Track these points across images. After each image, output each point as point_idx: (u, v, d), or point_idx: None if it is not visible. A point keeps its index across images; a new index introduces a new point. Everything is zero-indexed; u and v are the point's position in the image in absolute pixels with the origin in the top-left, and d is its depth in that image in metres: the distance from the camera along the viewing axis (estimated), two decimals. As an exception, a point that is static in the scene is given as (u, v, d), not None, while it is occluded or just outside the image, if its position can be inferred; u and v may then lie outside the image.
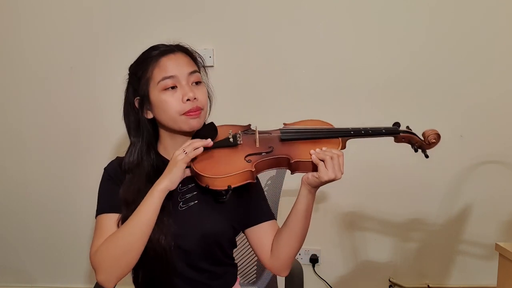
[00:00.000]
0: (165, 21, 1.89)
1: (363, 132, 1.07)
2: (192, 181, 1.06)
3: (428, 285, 2.03)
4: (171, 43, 1.11)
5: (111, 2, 1.90)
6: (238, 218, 1.12)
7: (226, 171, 0.98)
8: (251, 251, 1.49)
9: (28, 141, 2.02)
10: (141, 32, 1.88)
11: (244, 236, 1.18)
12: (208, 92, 1.13)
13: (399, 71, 1.88)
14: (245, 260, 1.50)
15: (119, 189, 1.06)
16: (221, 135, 1.09)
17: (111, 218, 1.04)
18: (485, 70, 1.87)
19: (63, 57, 1.94)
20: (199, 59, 1.14)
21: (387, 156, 1.88)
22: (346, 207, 2.00)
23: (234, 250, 1.20)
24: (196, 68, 1.09)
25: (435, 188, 1.96)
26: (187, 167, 1.01)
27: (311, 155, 1.00)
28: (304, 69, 1.90)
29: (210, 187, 0.99)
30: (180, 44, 1.11)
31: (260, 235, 1.13)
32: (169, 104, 1.03)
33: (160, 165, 1.08)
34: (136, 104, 1.09)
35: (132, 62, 1.12)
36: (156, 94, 1.05)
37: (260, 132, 1.09)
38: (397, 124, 1.11)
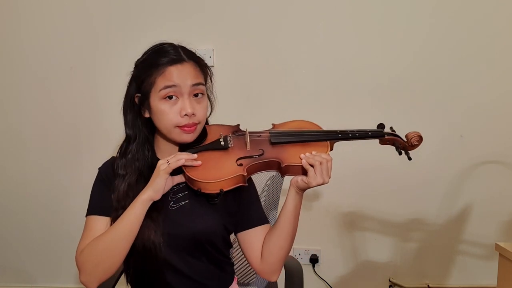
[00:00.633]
0: (165, 21, 1.89)
1: (350, 135, 1.10)
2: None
3: (428, 285, 2.03)
4: (181, 50, 1.07)
5: (111, 2, 1.90)
6: (229, 218, 1.12)
7: (218, 176, 0.99)
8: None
9: (28, 141, 2.02)
10: (141, 32, 1.88)
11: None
12: (210, 100, 1.13)
13: (399, 71, 1.88)
14: (244, 260, 1.50)
15: (110, 190, 1.07)
16: (211, 136, 1.10)
17: (99, 220, 1.06)
18: (485, 70, 1.87)
19: (63, 57, 1.94)
20: (208, 70, 1.12)
21: (387, 156, 1.87)
22: (346, 207, 2.00)
23: (233, 250, 1.20)
24: (201, 81, 1.07)
25: (435, 188, 1.96)
26: (179, 173, 1.02)
27: (301, 159, 1.01)
28: (304, 69, 1.90)
29: (202, 191, 0.99)
30: (191, 50, 1.09)
31: (251, 239, 1.13)
32: (166, 115, 1.03)
33: (154, 163, 1.08)
34: (136, 101, 1.09)
35: (132, 62, 1.11)
36: (156, 100, 1.04)
37: (250, 133, 1.10)
38: (381, 125, 1.14)
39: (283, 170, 1.03)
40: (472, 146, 1.92)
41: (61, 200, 2.05)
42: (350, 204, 2.00)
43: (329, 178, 1.00)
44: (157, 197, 1.01)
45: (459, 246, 2.02)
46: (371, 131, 1.12)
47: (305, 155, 1.01)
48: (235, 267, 1.38)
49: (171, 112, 1.03)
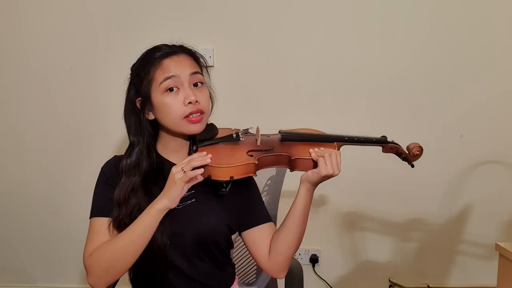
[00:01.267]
0: (165, 21, 1.89)
1: (355, 139, 1.16)
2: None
3: (428, 285, 2.03)
4: (174, 43, 1.11)
5: (111, 2, 1.90)
6: (234, 218, 1.12)
7: (229, 162, 1.00)
8: (251, 251, 1.48)
9: (28, 141, 2.02)
10: (141, 32, 1.88)
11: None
12: (210, 93, 1.13)
13: (399, 71, 1.88)
14: (245, 260, 1.50)
15: (114, 191, 1.07)
16: (221, 133, 1.12)
17: (104, 222, 1.05)
18: (485, 70, 1.87)
19: (63, 57, 1.94)
20: (202, 60, 1.13)
21: (387, 157, 1.88)
22: (346, 207, 2.00)
23: (233, 251, 1.20)
24: (198, 70, 1.09)
25: (435, 188, 1.96)
26: None
27: (310, 153, 1.04)
28: (304, 69, 1.90)
29: (212, 178, 0.99)
30: (184, 45, 1.11)
31: (257, 237, 1.13)
32: (171, 107, 1.03)
33: (160, 165, 1.08)
34: (138, 105, 1.08)
35: (132, 62, 1.12)
36: (158, 96, 1.04)
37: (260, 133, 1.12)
38: (384, 137, 1.20)
39: (292, 164, 1.06)
40: (472, 146, 1.92)
41: (61, 200, 2.05)
42: (350, 204, 2.00)
43: (339, 171, 1.02)
44: (173, 206, 1.01)
45: (459, 246, 2.02)
46: (375, 138, 1.18)
47: (314, 150, 1.05)
48: (235, 267, 1.38)
49: (175, 104, 1.03)
